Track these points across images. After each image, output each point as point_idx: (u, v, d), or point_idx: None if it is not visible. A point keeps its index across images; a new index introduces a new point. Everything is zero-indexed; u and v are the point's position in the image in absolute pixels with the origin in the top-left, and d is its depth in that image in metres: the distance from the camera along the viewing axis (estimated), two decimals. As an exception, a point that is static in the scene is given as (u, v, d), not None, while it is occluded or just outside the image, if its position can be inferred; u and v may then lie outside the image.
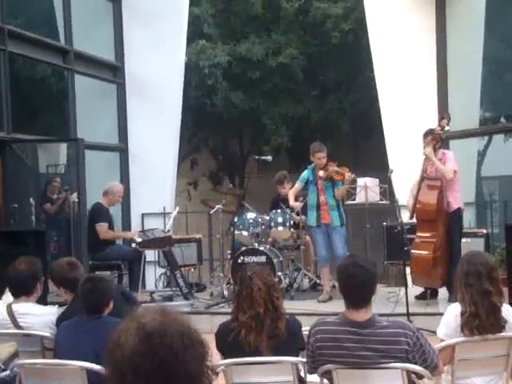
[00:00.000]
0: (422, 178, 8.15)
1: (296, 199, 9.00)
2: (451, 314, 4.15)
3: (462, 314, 4.05)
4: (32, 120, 11.30)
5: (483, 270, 4.17)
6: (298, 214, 8.97)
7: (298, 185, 8.96)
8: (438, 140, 8.06)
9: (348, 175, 8.57)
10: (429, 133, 8.18)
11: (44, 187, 10.68)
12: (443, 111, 8.43)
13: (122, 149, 11.13)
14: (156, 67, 10.77)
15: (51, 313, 4.76)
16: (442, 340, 4.14)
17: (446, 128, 8.10)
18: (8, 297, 4.94)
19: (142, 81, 10.90)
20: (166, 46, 10.84)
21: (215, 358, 3.77)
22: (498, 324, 4.07)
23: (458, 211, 8.21)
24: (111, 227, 9.21)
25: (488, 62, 10.96)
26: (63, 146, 10.69)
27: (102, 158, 11.15)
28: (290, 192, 9.03)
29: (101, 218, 9.00)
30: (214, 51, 15.67)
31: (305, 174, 8.97)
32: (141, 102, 10.93)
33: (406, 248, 7.94)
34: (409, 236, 8.10)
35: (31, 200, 10.19)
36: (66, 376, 4.00)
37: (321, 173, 8.65)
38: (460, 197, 8.28)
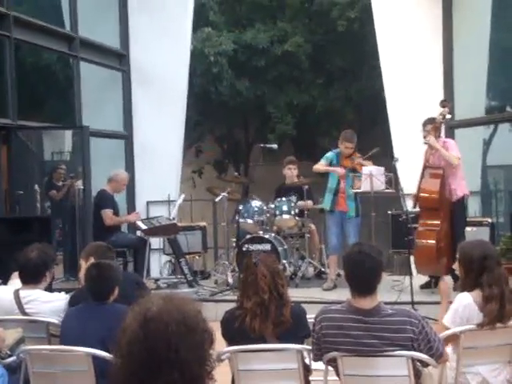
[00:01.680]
0: (425, 167, 8.15)
1: (300, 184, 9.01)
2: (460, 303, 4.14)
3: (491, 311, 4.00)
4: (37, 107, 11.29)
5: (500, 259, 4.20)
6: (307, 189, 8.97)
7: (324, 161, 8.96)
8: (438, 128, 8.08)
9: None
10: (428, 122, 8.18)
11: (49, 174, 10.70)
12: (444, 100, 8.42)
13: (127, 136, 11.12)
14: (161, 55, 10.74)
15: (59, 299, 4.78)
16: (447, 327, 4.13)
17: (448, 116, 8.11)
18: (15, 282, 4.96)
19: (148, 68, 10.88)
20: (171, 33, 10.81)
21: (220, 346, 3.78)
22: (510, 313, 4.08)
23: (462, 199, 8.22)
24: (116, 214, 9.22)
25: (494, 50, 10.92)
26: (68, 133, 10.71)
27: (107, 146, 11.14)
28: (317, 165, 8.99)
29: (106, 205, 9.02)
30: (219, 39, 15.62)
31: (329, 154, 8.98)
32: (146, 89, 10.91)
33: (410, 237, 7.95)
34: (414, 225, 8.11)
35: (36, 187, 10.22)
36: (72, 362, 4.02)
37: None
38: (464, 184, 8.29)
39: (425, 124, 8.21)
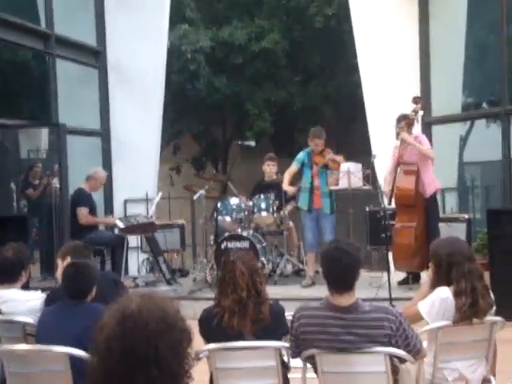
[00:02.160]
0: (398, 164, 8.20)
1: (291, 183, 9.04)
2: (438, 296, 4.15)
3: (461, 306, 4.03)
4: (13, 105, 11.19)
5: (472, 255, 4.24)
6: (290, 199, 8.99)
7: (295, 166, 9.00)
8: (411, 124, 8.14)
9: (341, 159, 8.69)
10: (402, 118, 8.23)
11: (26, 172, 10.61)
12: (417, 96, 8.49)
13: (103, 134, 11.05)
14: (138, 52, 10.69)
15: (35, 298, 4.74)
16: (420, 314, 4.14)
17: (420, 113, 8.18)
18: None
19: (124, 66, 10.82)
20: (148, 30, 10.75)
21: (198, 343, 3.76)
22: (489, 306, 4.10)
23: (434, 195, 8.30)
24: (93, 213, 9.17)
25: (470, 47, 10.99)
26: (45, 131, 10.61)
27: (84, 144, 11.07)
28: (286, 173, 9.07)
29: (82, 203, 8.99)
30: (196, 36, 15.58)
31: (300, 155, 9.01)
32: (123, 87, 10.85)
33: (388, 233, 7.99)
34: (391, 222, 8.15)
35: (12, 185, 10.13)
36: (49, 362, 3.98)
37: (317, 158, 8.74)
38: (435, 179, 8.35)
39: (399, 120, 8.27)
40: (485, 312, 4.08)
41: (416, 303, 4.22)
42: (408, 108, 8.48)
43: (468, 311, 4.02)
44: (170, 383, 1.92)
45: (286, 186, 8.96)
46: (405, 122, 8.13)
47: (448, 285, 4.14)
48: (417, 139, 8.21)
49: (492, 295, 4.21)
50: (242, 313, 3.95)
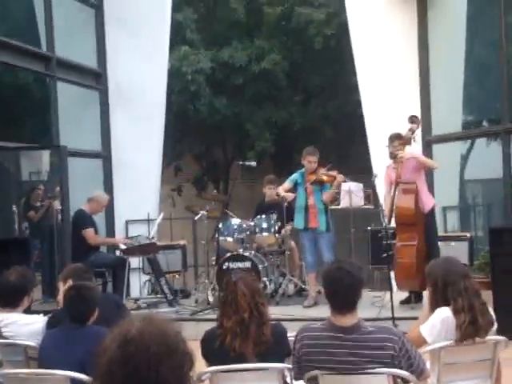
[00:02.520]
0: (397, 184, 8.16)
1: (289, 204, 9.03)
2: (439, 317, 4.15)
3: (461, 324, 4.02)
4: (14, 127, 11.22)
5: (467, 272, 4.24)
6: (291, 219, 8.95)
7: (287, 184, 8.99)
8: (407, 144, 8.11)
9: (340, 176, 8.64)
10: (395, 137, 8.19)
11: (27, 195, 10.62)
12: (413, 115, 8.48)
13: (105, 156, 11.08)
14: (139, 74, 10.74)
15: (37, 321, 4.72)
16: (422, 337, 4.13)
17: (416, 132, 8.17)
18: None
19: (125, 87, 10.87)
20: (148, 52, 10.82)
21: (200, 365, 3.75)
22: (490, 323, 4.09)
23: (432, 212, 8.29)
24: (96, 233, 9.16)
25: (470, 65, 11.03)
26: (46, 154, 10.63)
27: (85, 166, 11.09)
28: (280, 188, 9.04)
29: (86, 224, 8.96)
30: (196, 57, 15.65)
31: (294, 176, 9.00)
32: (124, 108, 10.89)
33: (389, 252, 7.97)
34: (393, 241, 8.13)
35: (14, 208, 10.13)
36: (51, 385, 3.97)
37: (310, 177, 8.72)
38: (429, 195, 8.36)
39: (391, 139, 8.23)
40: (486, 329, 4.07)
41: (418, 326, 4.21)
42: (408, 127, 8.50)
43: (468, 328, 4.01)
44: None
45: (283, 192, 8.92)
46: (399, 141, 8.10)
47: (447, 305, 4.13)
48: (412, 155, 8.19)
49: (492, 312, 4.21)
50: (244, 334, 3.94)
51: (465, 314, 4.03)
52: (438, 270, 4.27)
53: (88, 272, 5.00)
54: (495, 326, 4.19)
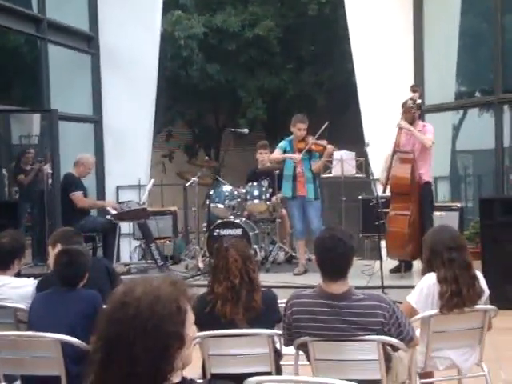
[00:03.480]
0: (395, 152, 8.17)
1: (271, 169, 9.03)
2: (426, 282, 4.18)
3: (443, 294, 4.06)
4: (4, 90, 11.12)
5: (463, 243, 4.25)
6: (279, 175, 8.92)
7: (277, 151, 8.96)
8: (409, 113, 8.09)
9: (329, 146, 8.60)
10: (402, 106, 8.21)
11: (17, 158, 10.56)
12: (414, 85, 8.46)
13: (96, 120, 11.01)
14: (131, 38, 10.63)
15: (27, 285, 4.72)
16: (411, 306, 4.16)
17: (418, 101, 8.13)
18: None
19: (117, 52, 10.76)
20: (141, 16, 10.70)
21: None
22: (476, 296, 4.11)
23: (429, 184, 8.29)
24: (85, 197, 9.13)
25: (464, 36, 10.98)
26: (36, 117, 10.56)
27: (76, 130, 11.02)
28: (273, 154, 9.03)
29: (75, 187, 8.90)
30: (189, 22, 15.51)
31: (282, 144, 8.96)
32: (116, 73, 10.80)
33: (380, 221, 7.99)
34: (384, 210, 8.14)
35: (4, 171, 10.08)
36: (40, 348, 3.97)
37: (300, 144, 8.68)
38: (431, 171, 8.35)
39: (402, 107, 8.22)
40: (472, 301, 4.09)
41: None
42: (401, 96, 8.47)
43: (453, 300, 4.03)
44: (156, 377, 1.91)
45: (281, 155, 8.89)
46: (402, 109, 8.10)
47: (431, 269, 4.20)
48: (424, 128, 8.17)
49: (484, 282, 4.23)
50: (234, 300, 3.94)
51: (447, 284, 4.06)
52: (428, 239, 4.32)
53: (77, 235, 4.99)
54: (487, 295, 4.21)
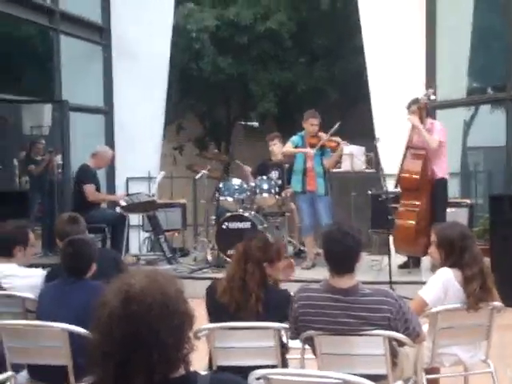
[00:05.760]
0: (407, 147, 8.15)
1: (282, 163, 9.02)
2: (441, 277, 4.16)
3: (472, 291, 4.02)
4: (16, 80, 11.17)
5: (474, 237, 4.26)
6: (288, 168, 8.90)
7: (289, 145, 8.96)
8: (423, 109, 8.06)
9: (343, 143, 8.61)
10: (413, 102, 8.17)
11: (28, 149, 10.60)
12: (430, 80, 8.42)
13: (107, 112, 11.03)
14: (143, 30, 10.64)
15: (36, 275, 4.73)
16: (424, 301, 4.15)
17: (432, 97, 8.10)
18: None
19: (129, 43, 10.76)
20: (153, 8, 10.70)
21: (199, 322, 3.77)
22: (494, 287, 4.12)
23: (443, 181, 8.24)
24: (98, 190, 9.15)
25: (477, 32, 10.92)
26: (48, 108, 10.61)
27: (87, 121, 11.04)
28: (285, 148, 9.02)
29: (89, 179, 8.91)
30: (201, 14, 15.49)
31: (294, 138, 8.97)
32: (127, 64, 10.80)
33: (390, 217, 7.98)
34: (393, 205, 8.13)
35: (15, 161, 10.13)
36: (48, 338, 3.99)
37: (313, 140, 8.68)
38: (445, 167, 8.31)
39: (409, 104, 8.19)
40: (492, 295, 4.09)
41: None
42: (412, 91, 8.45)
43: (479, 294, 4.03)
44: (167, 368, 1.91)
45: (301, 150, 8.87)
46: (416, 105, 8.06)
47: (457, 267, 4.14)
48: (432, 125, 8.13)
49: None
50: (245, 293, 3.96)
51: (477, 281, 4.04)
52: (455, 234, 4.22)
53: (77, 221, 5.01)
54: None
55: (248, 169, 9.91)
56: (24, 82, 11.76)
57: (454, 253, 4.17)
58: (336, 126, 8.65)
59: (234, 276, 4.02)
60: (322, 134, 8.74)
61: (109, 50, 10.98)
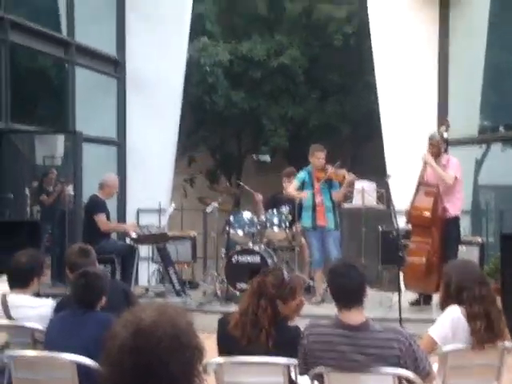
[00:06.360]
0: (419, 184, 8.15)
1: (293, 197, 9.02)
2: (450, 315, 4.14)
3: (476, 330, 4.00)
4: (31, 111, 11.27)
5: (483, 279, 4.22)
6: (299, 204, 8.90)
7: (296, 182, 8.97)
8: (435, 146, 8.07)
9: (350, 175, 8.62)
10: (429, 139, 8.20)
11: (40, 179, 10.65)
12: (443, 118, 8.45)
13: (119, 143, 11.09)
14: (157, 63, 10.73)
15: (46, 305, 4.74)
16: (433, 339, 4.12)
17: (445, 135, 8.11)
18: (3, 285, 4.92)
19: (143, 76, 10.86)
20: (167, 42, 10.80)
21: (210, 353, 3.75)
22: (505, 332, 4.08)
23: (456, 219, 8.22)
24: (108, 220, 9.18)
25: (489, 70, 10.95)
26: (61, 138, 10.66)
27: (100, 152, 11.10)
28: (290, 188, 9.00)
29: (99, 209, 8.96)
30: (215, 49, 15.64)
31: (301, 174, 8.98)
32: (141, 97, 10.89)
33: (400, 253, 7.94)
34: (404, 241, 8.10)
35: (27, 191, 10.17)
36: (56, 369, 3.98)
37: (320, 174, 8.68)
38: (460, 204, 8.29)
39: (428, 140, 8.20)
40: (501, 336, 4.05)
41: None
42: (424, 128, 8.46)
43: (485, 335, 3.99)
44: None
45: (296, 192, 8.87)
46: (429, 142, 8.09)
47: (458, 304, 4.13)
48: (448, 162, 8.14)
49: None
50: (257, 329, 3.95)
51: (481, 320, 4.01)
52: (453, 272, 4.25)
53: (87, 253, 5.00)
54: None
55: (259, 196, 9.90)
56: (38, 113, 11.86)
57: (450, 289, 4.19)
58: (338, 162, 8.70)
59: (247, 310, 4.02)
60: (329, 167, 8.75)
61: (123, 83, 11.08)
